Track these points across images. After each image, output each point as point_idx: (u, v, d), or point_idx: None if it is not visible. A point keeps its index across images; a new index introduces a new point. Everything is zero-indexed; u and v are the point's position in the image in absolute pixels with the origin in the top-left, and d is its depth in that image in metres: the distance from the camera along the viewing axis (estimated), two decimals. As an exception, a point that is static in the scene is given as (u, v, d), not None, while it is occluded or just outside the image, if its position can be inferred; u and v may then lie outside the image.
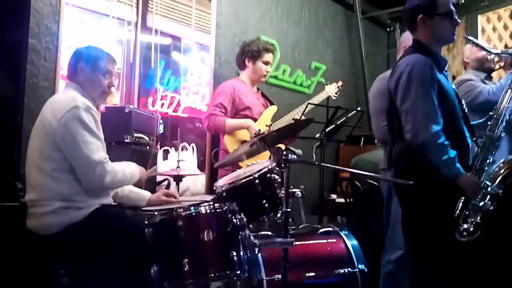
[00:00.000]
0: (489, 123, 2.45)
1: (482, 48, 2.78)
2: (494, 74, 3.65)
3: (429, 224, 2.29)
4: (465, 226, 2.27)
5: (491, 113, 2.48)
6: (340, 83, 4.05)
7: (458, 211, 2.29)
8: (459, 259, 2.32)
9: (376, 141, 3.08)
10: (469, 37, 2.64)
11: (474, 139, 2.43)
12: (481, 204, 2.29)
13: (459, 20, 2.42)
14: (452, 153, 2.23)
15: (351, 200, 3.90)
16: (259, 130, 3.35)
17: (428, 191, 2.27)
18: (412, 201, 2.35)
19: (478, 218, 2.27)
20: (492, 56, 3.37)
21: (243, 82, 3.67)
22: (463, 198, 2.29)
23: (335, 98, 3.98)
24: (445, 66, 2.45)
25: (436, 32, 2.39)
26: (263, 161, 2.67)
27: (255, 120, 3.52)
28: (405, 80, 2.30)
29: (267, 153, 2.93)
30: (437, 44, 2.45)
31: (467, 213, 2.29)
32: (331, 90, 3.94)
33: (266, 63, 3.63)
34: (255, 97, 3.66)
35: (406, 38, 3.02)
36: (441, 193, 2.26)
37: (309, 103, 3.68)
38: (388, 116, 2.51)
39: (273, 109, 3.69)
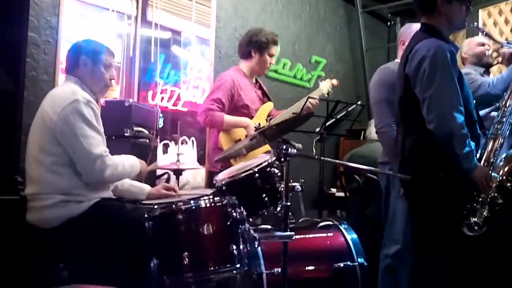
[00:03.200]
0: (494, 113, 2.43)
1: (494, 40, 2.76)
2: (493, 69, 3.64)
3: (440, 215, 2.25)
4: (474, 219, 2.24)
5: (497, 104, 2.46)
6: (334, 82, 3.92)
7: (468, 205, 2.25)
8: (465, 252, 2.30)
9: (376, 131, 3.03)
10: (480, 27, 2.61)
11: (482, 130, 2.40)
12: (489, 197, 2.25)
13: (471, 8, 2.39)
14: (472, 145, 2.19)
15: (351, 194, 3.90)
16: (259, 124, 3.33)
17: (445, 183, 2.22)
18: (425, 192, 2.29)
19: (487, 211, 2.24)
20: (491, 51, 3.37)
21: (243, 73, 3.55)
22: (474, 191, 2.25)
23: (327, 95, 3.86)
24: (456, 52, 2.38)
25: (451, 17, 2.34)
26: (262, 155, 2.67)
27: (252, 118, 3.47)
28: (428, 66, 2.20)
29: (266, 147, 2.92)
30: (449, 30, 2.40)
31: (476, 206, 2.25)
32: (325, 87, 3.83)
33: (272, 55, 3.57)
34: (253, 91, 3.59)
35: (405, 32, 3.01)
36: (457, 186, 2.22)
37: (309, 97, 3.65)
38: (401, 104, 2.41)
39: (269, 106, 3.62)
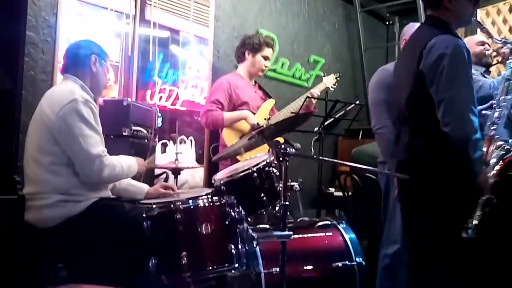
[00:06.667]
0: (488, 112, 2.39)
1: (491, 36, 2.74)
2: (492, 69, 3.64)
3: (450, 219, 2.19)
4: (470, 221, 2.20)
5: (492, 101, 2.42)
6: (337, 74, 4.02)
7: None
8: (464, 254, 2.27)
9: (373, 132, 3.02)
10: (481, 23, 2.58)
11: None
12: (485, 198, 2.19)
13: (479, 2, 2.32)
14: (482, 148, 2.15)
15: (349, 193, 3.90)
16: (258, 123, 3.35)
17: (459, 188, 2.15)
18: (434, 194, 2.21)
19: (480, 212, 2.15)
20: (490, 51, 3.36)
21: (240, 76, 3.66)
22: (479, 193, 2.17)
23: (333, 89, 3.94)
24: None
25: (458, 12, 2.25)
26: (261, 155, 2.67)
27: (254, 114, 3.51)
28: (447, 65, 2.07)
29: (266, 147, 2.93)
30: (456, 24, 2.32)
31: (474, 208, 2.18)
32: (329, 81, 3.90)
33: (266, 57, 3.63)
34: (252, 90, 3.65)
35: (407, 31, 3.00)
36: (468, 189, 2.16)
37: (308, 97, 3.67)
38: (410, 103, 2.27)
39: (270, 102, 3.70)
